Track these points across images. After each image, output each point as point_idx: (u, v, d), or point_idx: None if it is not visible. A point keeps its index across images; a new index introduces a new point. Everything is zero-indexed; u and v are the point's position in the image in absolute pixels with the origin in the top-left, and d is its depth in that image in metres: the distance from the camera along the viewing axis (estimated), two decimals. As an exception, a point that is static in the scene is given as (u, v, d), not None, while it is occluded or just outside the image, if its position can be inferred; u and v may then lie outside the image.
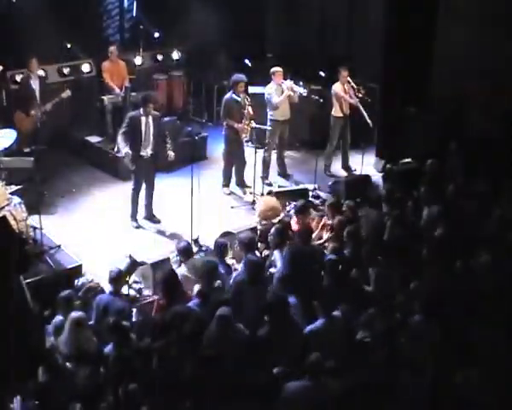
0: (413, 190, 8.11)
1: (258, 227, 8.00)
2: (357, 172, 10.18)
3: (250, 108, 9.42)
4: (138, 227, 8.66)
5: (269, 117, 9.86)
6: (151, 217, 8.82)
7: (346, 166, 10.58)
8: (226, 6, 11.35)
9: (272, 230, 7.03)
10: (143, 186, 8.70)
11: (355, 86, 10.04)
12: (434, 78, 9.89)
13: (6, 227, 6.06)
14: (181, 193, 8.68)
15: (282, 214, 8.07)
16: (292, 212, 8.13)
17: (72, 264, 7.50)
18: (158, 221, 8.79)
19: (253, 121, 9.48)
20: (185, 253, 6.94)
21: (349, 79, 10.07)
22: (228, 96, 9.49)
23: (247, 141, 9.87)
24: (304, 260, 6.53)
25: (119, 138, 8.55)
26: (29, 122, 9.18)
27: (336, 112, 10.20)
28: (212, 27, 11.26)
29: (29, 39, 9.85)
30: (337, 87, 10.11)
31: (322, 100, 10.38)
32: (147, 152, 8.46)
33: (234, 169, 9.81)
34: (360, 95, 9.99)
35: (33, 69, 9.37)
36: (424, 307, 5.50)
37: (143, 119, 8.38)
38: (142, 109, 8.42)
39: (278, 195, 8.82)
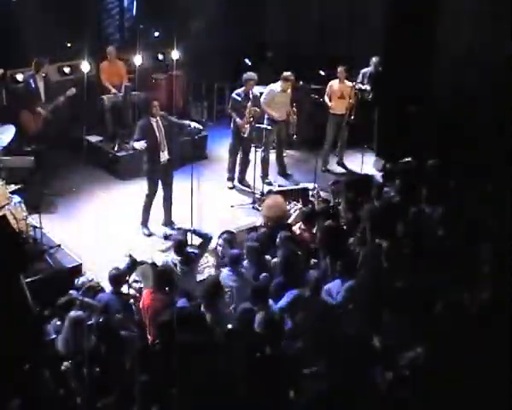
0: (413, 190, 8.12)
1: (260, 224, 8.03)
2: (354, 171, 10.28)
3: (252, 108, 9.48)
4: (150, 235, 8.49)
5: (266, 116, 9.93)
6: (170, 223, 8.67)
7: (340, 163, 10.80)
8: (226, 6, 11.37)
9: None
10: (161, 193, 8.57)
11: (350, 89, 10.18)
12: (435, 77, 9.89)
13: (6, 226, 6.08)
14: (181, 192, 8.68)
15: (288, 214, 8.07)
16: (294, 213, 8.13)
17: (73, 263, 7.50)
18: (176, 227, 8.54)
19: (251, 118, 9.55)
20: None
21: (348, 82, 10.23)
22: (235, 91, 9.68)
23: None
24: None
25: (135, 145, 8.35)
26: (34, 121, 9.17)
27: (331, 109, 10.40)
28: (213, 27, 11.29)
29: (29, 38, 9.84)
30: (333, 83, 10.37)
31: (321, 99, 10.48)
32: (164, 156, 8.36)
33: (237, 165, 9.94)
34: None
35: (39, 69, 9.33)
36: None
37: (154, 123, 8.29)
38: (148, 114, 8.32)
39: (278, 194, 8.82)
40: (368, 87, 10.85)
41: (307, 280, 6.13)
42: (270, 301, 5.92)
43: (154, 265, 6.79)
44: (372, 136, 10.79)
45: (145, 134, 8.24)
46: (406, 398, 4.69)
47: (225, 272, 6.52)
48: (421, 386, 4.74)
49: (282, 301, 5.93)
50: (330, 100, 10.40)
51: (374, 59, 10.79)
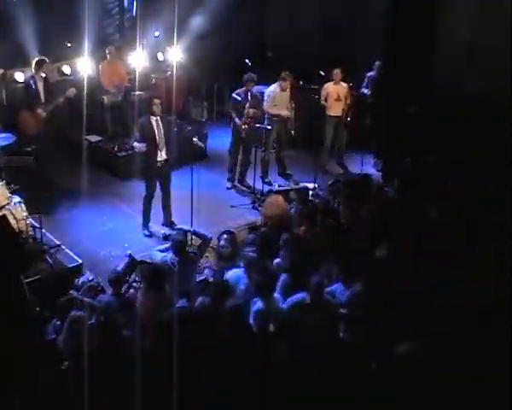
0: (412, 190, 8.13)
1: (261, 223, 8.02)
2: (354, 171, 10.27)
3: (251, 109, 9.48)
4: (150, 235, 8.47)
5: (266, 116, 9.93)
6: (169, 223, 8.63)
7: (340, 163, 10.78)
8: (226, 5, 11.38)
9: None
10: (159, 193, 8.55)
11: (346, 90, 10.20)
12: (435, 77, 9.90)
13: (6, 226, 6.09)
14: (181, 192, 8.68)
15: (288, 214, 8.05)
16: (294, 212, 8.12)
17: (73, 263, 7.50)
18: (176, 227, 8.32)
19: (249, 119, 9.55)
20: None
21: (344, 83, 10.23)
22: (235, 91, 9.68)
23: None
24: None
25: (135, 145, 8.35)
26: (34, 122, 9.16)
27: (328, 111, 10.38)
28: (213, 27, 11.30)
29: (29, 38, 9.84)
30: (328, 85, 10.34)
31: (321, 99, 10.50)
32: (162, 156, 8.34)
33: (237, 165, 9.95)
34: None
35: (39, 69, 9.32)
36: None
37: (154, 122, 8.28)
38: (149, 112, 8.32)
39: (278, 194, 8.81)
40: (369, 92, 10.89)
41: (310, 281, 6.11)
42: (277, 295, 5.92)
43: (152, 264, 6.80)
44: (372, 137, 10.78)
45: (145, 132, 8.25)
46: (406, 397, 4.70)
47: (238, 272, 6.42)
48: (421, 386, 4.74)
49: (285, 303, 5.92)
50: (326, 102, 10.38)
51: (377, 63, 10.81)
